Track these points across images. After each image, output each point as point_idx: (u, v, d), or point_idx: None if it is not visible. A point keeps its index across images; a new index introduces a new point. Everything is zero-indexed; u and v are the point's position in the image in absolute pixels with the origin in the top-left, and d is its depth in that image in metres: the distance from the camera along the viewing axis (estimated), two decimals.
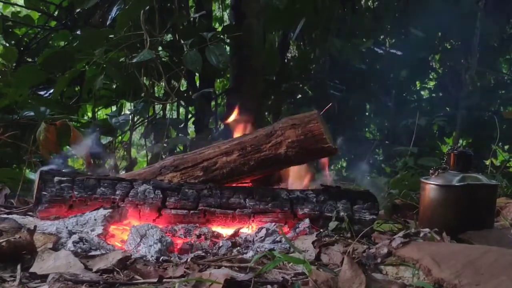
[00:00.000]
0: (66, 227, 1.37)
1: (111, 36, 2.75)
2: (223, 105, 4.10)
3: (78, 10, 3.31)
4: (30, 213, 1.63)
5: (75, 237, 1.27)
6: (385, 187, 2.32)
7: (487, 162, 3.37)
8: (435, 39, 4.36)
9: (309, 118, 1.62)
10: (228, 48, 3.37)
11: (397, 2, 4.18)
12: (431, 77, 4.86)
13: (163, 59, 3.01)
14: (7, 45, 3.49)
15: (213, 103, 3.90)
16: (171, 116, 3.74)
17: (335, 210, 1.55)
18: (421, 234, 1.31)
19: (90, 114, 3.61)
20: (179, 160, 1.72)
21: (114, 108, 3.43)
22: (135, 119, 3.14)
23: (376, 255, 1.19)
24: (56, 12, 3.62)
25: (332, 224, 1.51)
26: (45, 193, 1.53)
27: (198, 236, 1.45)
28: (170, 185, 1.58)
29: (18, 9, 3.98)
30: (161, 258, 1.25)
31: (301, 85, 4.17)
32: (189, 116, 3.87)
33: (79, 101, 3.32)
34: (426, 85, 4.85)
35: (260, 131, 1.68)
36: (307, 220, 1.52)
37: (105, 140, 3.34)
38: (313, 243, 1.34)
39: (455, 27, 3.87)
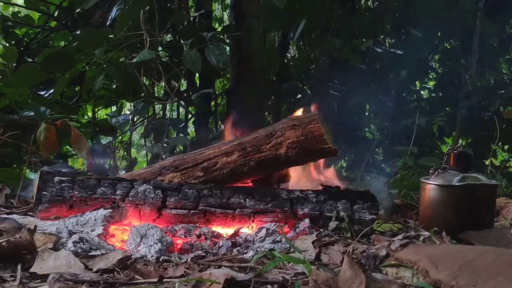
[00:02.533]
0: (66, 227, 1.37)
1: (111, 36, 2.75)
2: (223, 105, 4.10)
3: (78, 10, 3.31)
4: (30, 213, 1.63)
5: (75, 237, 1.27)
6: (385, 187, 2.32)
7: (487, 162, 3.38)
8: (435, 39, 4.36)
9: (310, 119, 1.62)
10: (227, 48, 3.37)
11: (397, 2, 4.18)
12: (431, 77, 4.86)
13: (163, 59, 3.01)
14: (7, 45, 3.49)
15: (213, 103, 3.90)
16: (171, 116, 3.74)
17: (335, 210, 1.55)
18: (421, 238, 1.31)
19: (90, 114, 3.61)
20: (179, 160, 1.72)
21: (114, 108, 3.43)
22: (135, 119, 3.15)
23: (375, 256, 1.19)
24: (56, 12, 3.63)
25: (332, 224, 1.51)
26: (45, 193, 1.53)
27: (198, 236, 1.45)
28: (170, 185, 1.58)
29: (18, 9, 3.98)
30: (161, 258, 1.25)
31: (301, 85, 4.17)
32: (189, 116, 3.87)
33: (79, 101, 3.32)
34: (426, 85, 4.85)
35: (260, 132, 1.69)
36: (307, 220, 1.52)
37: (105, 140, 3.35)
38: (313, 243, 1.34)
39: (455, 27, 3.87)
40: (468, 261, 1.01)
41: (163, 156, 2.87)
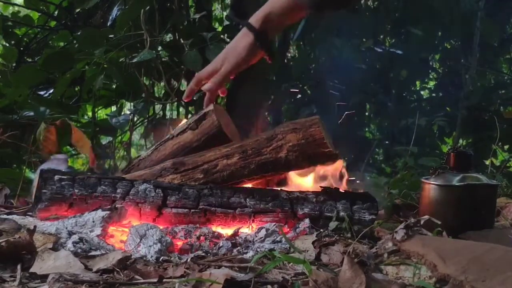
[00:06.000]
0: (66, 228, 1.37)
1: (111, 36, 2.75)
2: (223, 105, 4.10)
3: (78, 10, 3.31)
4: (30, 214, 1.63)
5: (75, 237, 1.27)
6: (385, 187, 2.32)
7: (487, 162, 3.38)
8: (435, 39, 4.37)
9: (311, 122, 1.62)
10: None
11: (397, 2, 4.18)
12: (431, 77, 4.86)
13: (163, 59, 3.01)
14: (7, 45, 3.49)
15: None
16: (171, 116, 3.74)
17: (335, 210, 1.55)
18: (422, 222, 1.31)
19: (90, 114, 3.61)
20: (179, 162, 1.72)
21: (114, 108, 3.43)
22: (135, 119, 3.15)
23: (381, 250, 1.19)
24: (56, 12, 3.63)
25: (332, 224, 1.50)
26: (45, 191, 1.53)
27: (198, 238, 1.45)
28: (171, 184, 1.58)
29: (18, 9, 3.98)
30: (161, 258, 1.25)
31: (301, 85, 4.17)
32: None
33: (79, 101, 3.33)
34: (426, 85, 4.85)
35: (261, 135, 1.69)
36: (307, 220, 1.52)
37: (105, 140, 3.35)
38: (313, 243, 1.34)
39: (455, 27, 3.88)
40: (477, 256, 1.01)
41: None
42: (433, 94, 4.70)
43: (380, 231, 1.44)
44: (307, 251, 1.29)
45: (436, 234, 1.35)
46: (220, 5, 4.27)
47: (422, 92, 4.79)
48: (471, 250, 1.07)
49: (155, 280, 1.04)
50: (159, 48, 3.05)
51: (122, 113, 3.21)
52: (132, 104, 3.09)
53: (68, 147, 3.01)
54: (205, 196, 1.55)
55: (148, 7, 2.74)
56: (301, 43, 4.28)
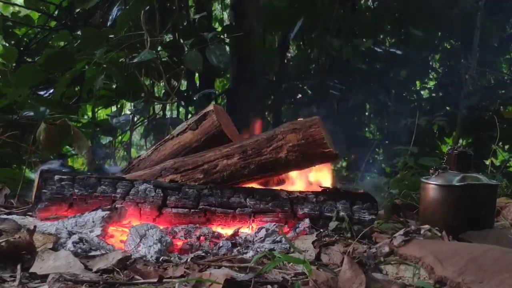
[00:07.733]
0: (66, 228, 1.37)
1: (111, 36, 2.75)
2: (223, 105, 4.10)
3: (78, 10, 3.31)
4: (30, 214, 1.63)
5: (75, 238, 1.27)
6: (385, 187, 2.32)
7: (487, 162, 3.37)
8: (435, 39, 4.36)
9: (310, 123, 1.62)
10: (227, 48, 3.37)
11: (397, 2, 4.18)
12: (431, 77, 4.86)
13: (163, 59, 3.01)
14: (7, 45, 3.49)
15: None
16: (171, 116, 3.74)
17: (335, 210, 1.55)
18: (422, 231, 1.31)
19: (90, 114, 3.61)
20: (180, 162, 1.72)
21: (114, 108, 3.43)
22: (135, 119, 3.15)
23: (378, 254, 1.19)
24: (56, 12, 3.63)
25: (332, 224, 1.51)
26: (45, 191, 1.53)
27: (198, 238, 1.45)
28: (171, 184, 1.58)
29: (18, 9, 3.98)
30: (161, 258, 1.25)
31: (301, 85, 4.17)
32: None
33: (79, 101, 3.33)
34: (426, 85, 4.85)
35: (261, 135, 1.69)
36: (307, 220, 1.52)
37: (105, 140, 3.35)
38: (313, 243, 1.34)
39: (455, 27, 3.87)
40: (474, 258, 1.01)
41: None
42: (433, 94, 4.70)
43: (378, 237, 1.44)
44: (307, 251, 1.29)
45: (435, 234, 1.35)
46: (220, 5, 4.27)
47: (422, 92, 4.79)
48: (469, 252, 1.06)
49: (155, 280, 1.04)
50: (159, 48, 3.05)
51: (123, 113, 3.21)
52: (132, 104, 3.09)
53: (68, 147, 3.01)
54: (205, 196, 1.55)
55: (148, 7, 2.74)
56: (301, 43, 4.28)
